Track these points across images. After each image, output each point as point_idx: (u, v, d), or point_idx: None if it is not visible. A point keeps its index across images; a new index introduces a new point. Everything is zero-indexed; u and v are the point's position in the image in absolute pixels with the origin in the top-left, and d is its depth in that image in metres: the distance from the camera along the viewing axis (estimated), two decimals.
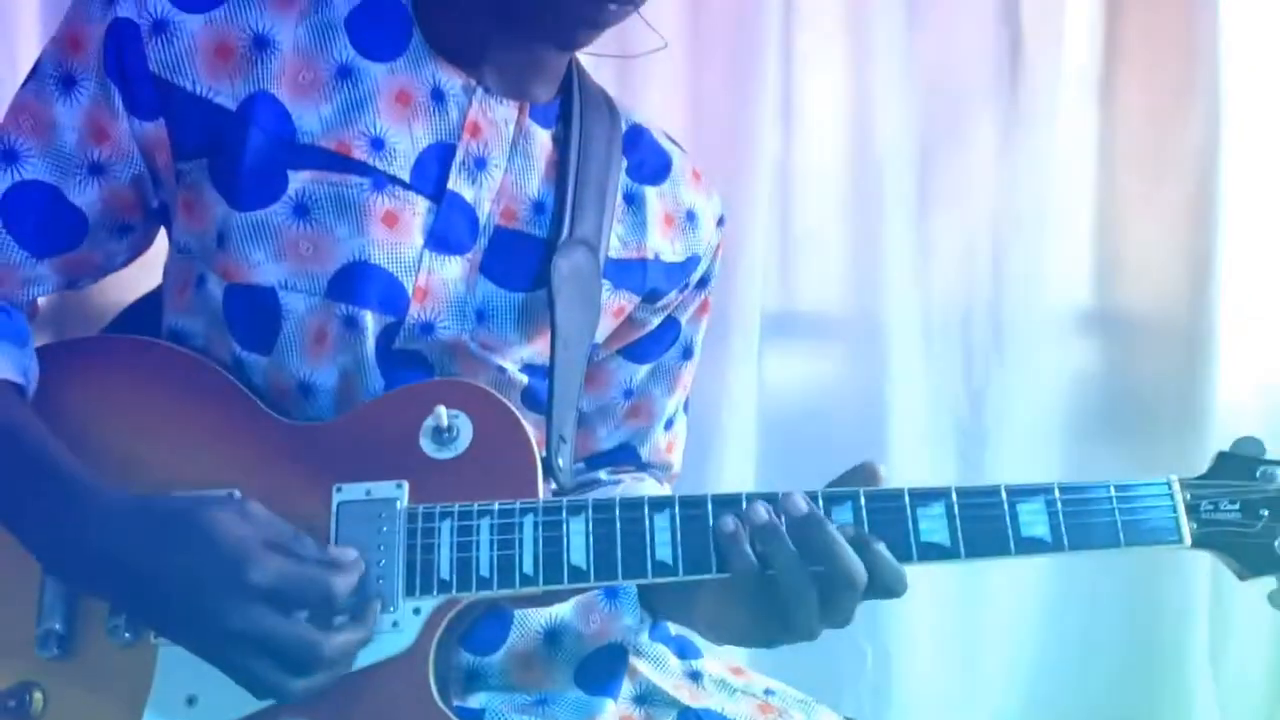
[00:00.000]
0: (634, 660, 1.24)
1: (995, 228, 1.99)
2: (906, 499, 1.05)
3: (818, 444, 1.90)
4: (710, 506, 1.05)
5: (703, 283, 1.35)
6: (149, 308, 1.25)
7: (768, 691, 1.25)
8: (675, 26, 1.82)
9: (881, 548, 1.01)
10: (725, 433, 1.85)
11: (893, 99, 1.92)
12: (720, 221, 1.36)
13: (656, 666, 1.24)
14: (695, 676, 1.26)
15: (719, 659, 1.29)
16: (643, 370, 1.35)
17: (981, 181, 1.99)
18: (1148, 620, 1.99)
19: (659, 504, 1.06)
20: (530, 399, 1.22)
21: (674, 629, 1.29)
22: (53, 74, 1.11)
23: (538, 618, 1.22)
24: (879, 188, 1.91)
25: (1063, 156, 2.01)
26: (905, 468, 1.90)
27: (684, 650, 1.27)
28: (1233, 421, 1.97)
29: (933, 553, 1.04)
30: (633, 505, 1.06)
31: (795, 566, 1.00)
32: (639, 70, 1.74)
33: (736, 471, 1.86)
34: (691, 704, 1.22)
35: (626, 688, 1.22)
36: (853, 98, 1.92)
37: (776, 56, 1.87)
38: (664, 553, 1.04)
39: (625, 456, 1.38)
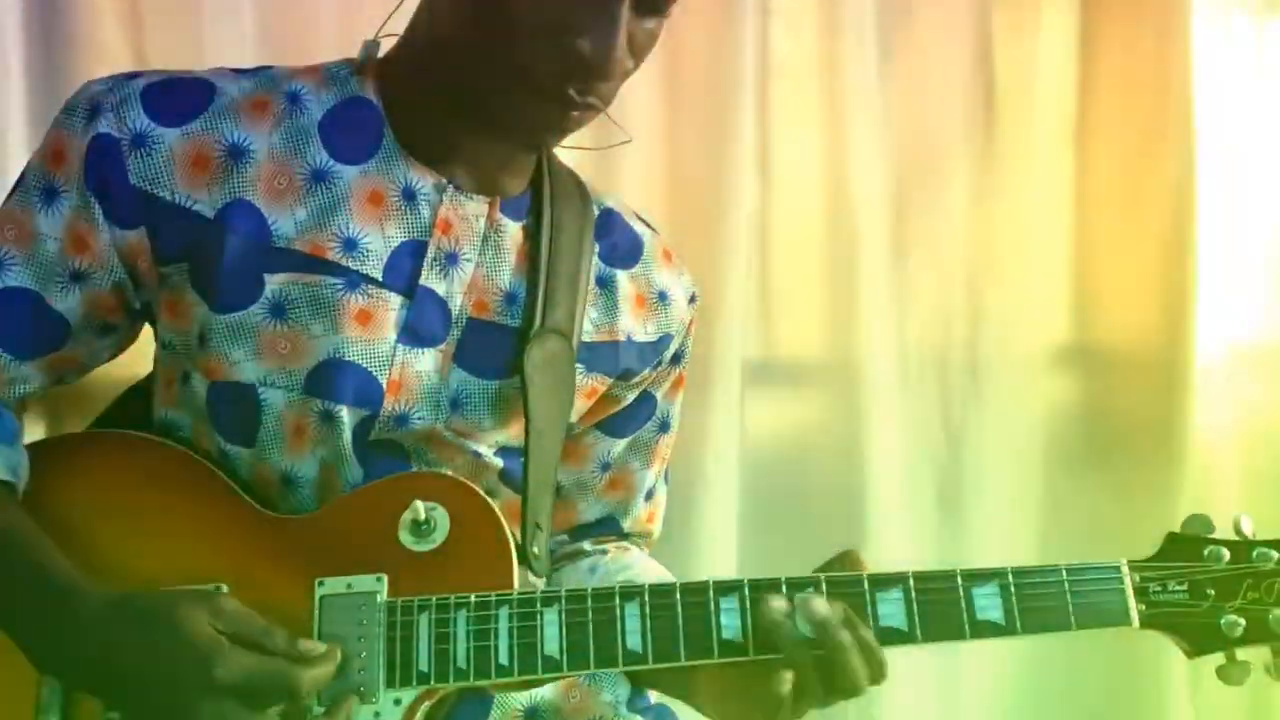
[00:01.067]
0: None
1: (971, 270, 2.02)
2: (865, 584, 1.09)
3: (799, 489, 1.94)
4: (679, 595, 1.09)
5: (676, 359, 1.38)
6: (139, 396, 1.29)
7: None
8: (651, 83, 1.85)
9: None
10: (708, 478, 1.88)
11: (868, 146, 1.95)
12: (693, 299, 1.38)
13: None
14: None
15: None
16: (620, 444, 1.38)
17: (957, 224, 2.01)
18: (1128, 652, 2.00)
19: (629, 594, 1.10)
20: (508, 479, 1.26)
21: (655, 697, 1.33)
22: (36, 186, 1.15)
23: (519, 697, 1.25)
24: (855, 235, 1.95)
25: (1038, 197, 2.04)
26: (885, 511, 1.93)
27: (661, 718, 1.31)
28: (1210, 454, 2.00)
29: (892, 637, 1.08)
30: (604, 596, 1.10)
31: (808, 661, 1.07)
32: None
33: (719, 517, 1.89)
34: None
35: None
36: (828, 147, 1.95)
37: (752, 109, 1.90)
38: (634, 641, 1.08)
39: (608, 528, 1.41)
